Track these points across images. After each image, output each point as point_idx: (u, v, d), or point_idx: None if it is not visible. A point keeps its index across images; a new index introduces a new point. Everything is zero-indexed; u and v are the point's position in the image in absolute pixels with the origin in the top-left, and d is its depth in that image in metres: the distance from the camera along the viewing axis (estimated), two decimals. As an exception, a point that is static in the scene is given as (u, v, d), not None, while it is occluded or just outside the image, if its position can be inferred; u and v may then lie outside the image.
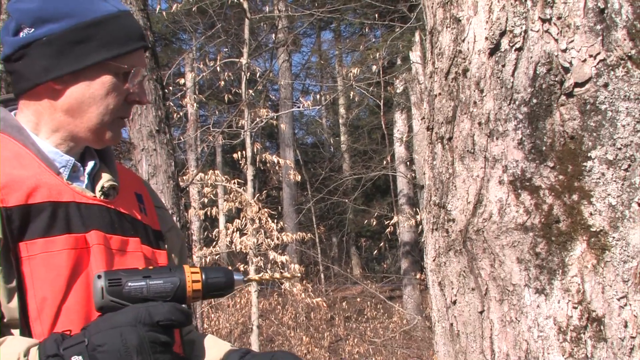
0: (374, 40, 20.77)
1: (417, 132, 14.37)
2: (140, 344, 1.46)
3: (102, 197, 1.81)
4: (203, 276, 1.62)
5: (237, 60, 11.61)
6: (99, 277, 1.55)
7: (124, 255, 1.78)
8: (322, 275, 20.63)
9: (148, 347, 1.47)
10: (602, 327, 1.60)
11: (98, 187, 1.82)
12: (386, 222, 16.51)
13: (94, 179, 1.86)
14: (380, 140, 21.38)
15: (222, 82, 12.41)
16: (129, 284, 1.53)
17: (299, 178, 14.04)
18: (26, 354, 1.48)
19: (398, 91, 17.15)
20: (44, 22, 1.74)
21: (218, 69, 11.91)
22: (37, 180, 1.69)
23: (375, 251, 19.21)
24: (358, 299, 17.96)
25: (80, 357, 1.42)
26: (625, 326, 1.58)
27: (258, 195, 11.32)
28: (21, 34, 1.75)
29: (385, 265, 22.93)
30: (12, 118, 1.81)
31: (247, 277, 1.78)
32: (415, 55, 13.59)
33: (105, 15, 1.78)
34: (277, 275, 1.89)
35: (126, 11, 1.84)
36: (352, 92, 16.31)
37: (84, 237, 1.70)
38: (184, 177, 11.04)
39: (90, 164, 1.86)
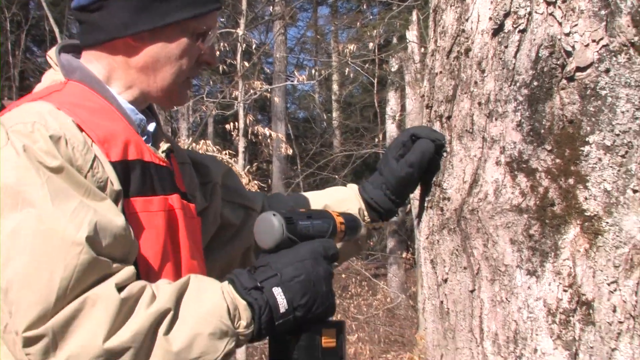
0: (370, 17, 20.68)
1: (410, 111, 14.36)
2: (327, 274, 1.58)
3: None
4: (342, 219, 1.73)
5: (234, 31, 11.55)
6: (275, 215, 1.60)
7: (192, 220, 1.78)
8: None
9: (330, 276, 1.59)
10: (591, 311, 1.61)
11: (162, 149, 1.80)
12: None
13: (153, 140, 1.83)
14: (373, 118, 21.34)
15: (218, 53, 12.35)
16: (300, 222, 1.62)
17: (290, 152, 14.02)
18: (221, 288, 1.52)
19: (393, 70, 17.09)
20: None
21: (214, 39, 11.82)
22: (127, 136, 1.65)
23: (363, 229, 19.21)
24: (343, 275, 17.98)
25: (279, 289, 1.50)
26: (614, 311, 1.60)
27: (248, 167, 11.29)
28: None
29: (371, 243, 22.94)
30: (87, 69, 1.76)
31: (368, 226, 1.92)
32: (411, 35, 13.54)
33: None
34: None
35: None
36: (346, 69, 16.26)
37: (168, 200, 1.69)
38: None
39: (152, 124, 1.84)
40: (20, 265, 1.37)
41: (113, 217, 1.49)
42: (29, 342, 1.34)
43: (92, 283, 1.41)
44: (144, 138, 1.77)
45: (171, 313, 1.44)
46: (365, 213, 2.02)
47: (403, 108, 17.12)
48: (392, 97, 17.96)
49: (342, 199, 2.03)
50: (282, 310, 1.51)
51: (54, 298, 1.35)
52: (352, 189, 2.07)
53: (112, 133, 1.62)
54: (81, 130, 1.57)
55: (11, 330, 1.36)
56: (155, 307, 1.43)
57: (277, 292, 1.51)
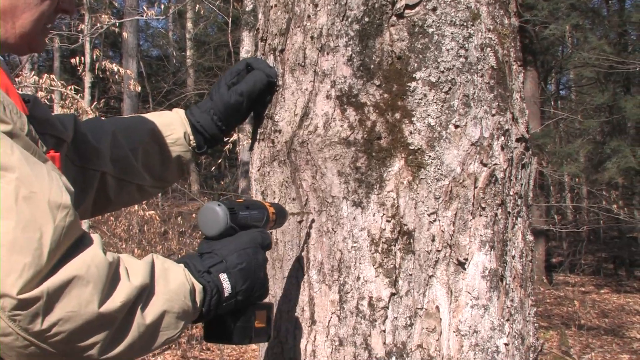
0: (226, -46, 20.33)
1: (263, 51, 14.30)
2: (264, 262, 1.65)
3: None
4: (274, 209, 1.77)
5: (80, -40, 11.06)
6: (219, 205, 1.66)
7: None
8: (159, 190, 20.36)
9: (265, 264, 1.66)
10: (411, 241, 1.68)
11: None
12: (226, 139, 16.40)
13: None
14: (227, 58, 21.21)
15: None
16: (240, 212, 1.68)
17: (139, 89, 13.68)
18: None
19: (247, 9, 16.94)
20: None
21: (59, -33, 11.30)
22: (11, 88, 1.53)
23: (214, 168, 19.14)
24: (194, 215, 17.88)
25: (225, 275, 1.58)
26: (433, 240, 1.67)
27: (95, 103, 10.95)
28: None
29: (223, 183, 22.95)
30: None
31: (291, 212, 1.90)
32: (266, -26, 13.42)
33: None
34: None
35: None
36: (199, 6, 15.97)
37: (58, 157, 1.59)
38: (16, 80, 10.49)
39: None
40: (7, 230, 1.31)
41: (63, 178, 1.44)
42: (22, 305, 1.29)
43: (71, 245, 1.38)
44: None
45: (148, 288, 1.47)
46: (191, 137, 2.02)
47: (257, 48, 17.03)
48: (246, 37, 17.82)
49: (168, 123, 2.02)
50: (226, 294, 1.59)
51: (45, 260, 1.31)
52: (178, 113, 2.06)
53: (9, 88, 1.51)
54: None
55: None
56: (139, 280, 1.44)
57: (223, 277, 1.59)
